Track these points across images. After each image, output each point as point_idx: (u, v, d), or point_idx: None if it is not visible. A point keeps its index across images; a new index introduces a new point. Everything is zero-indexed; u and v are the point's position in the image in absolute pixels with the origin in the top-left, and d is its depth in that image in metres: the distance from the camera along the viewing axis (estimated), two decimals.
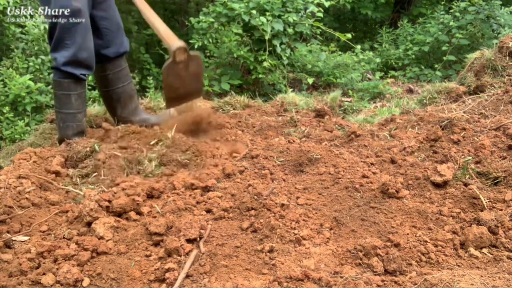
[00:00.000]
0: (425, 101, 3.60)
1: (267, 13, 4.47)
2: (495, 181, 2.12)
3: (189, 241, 1.65)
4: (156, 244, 1.68)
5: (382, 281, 1.49)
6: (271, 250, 1.62)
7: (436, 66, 5.83)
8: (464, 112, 3.05)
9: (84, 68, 2.61)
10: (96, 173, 2.26)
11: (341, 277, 1.49)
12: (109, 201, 1.87)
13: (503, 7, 5.81)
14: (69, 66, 2.56)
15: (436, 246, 1.68)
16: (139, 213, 1.88)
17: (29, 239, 1.76)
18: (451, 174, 2.08)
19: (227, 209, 1.87)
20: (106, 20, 2.76)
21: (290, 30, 4.58)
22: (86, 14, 2.57)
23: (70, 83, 2.61)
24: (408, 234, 1.74)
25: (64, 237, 1.74)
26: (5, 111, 3.59)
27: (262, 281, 1.46)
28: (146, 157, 2.32)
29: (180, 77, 2.62)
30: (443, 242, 1.70)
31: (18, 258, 1.60)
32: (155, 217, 1.83)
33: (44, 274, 1.51)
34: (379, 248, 1.62)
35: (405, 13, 8.15)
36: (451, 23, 5.88)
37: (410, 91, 5.03)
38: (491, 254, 1.67)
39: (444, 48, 5.81)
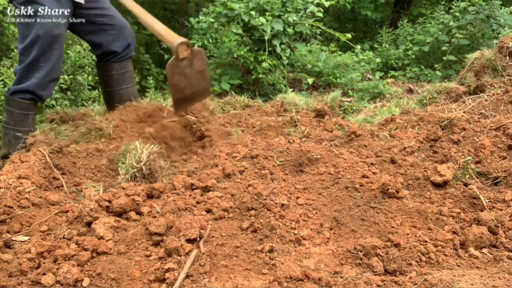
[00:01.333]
0: (425, 101, 3.60)
1: (267, 13, 4.47)
2: (495, 181, 2.12)
3: (189, 241, 1.65)
4: (156, 244, 1.68)
5: (382, 281, 1.49)
6: (271, 250, 1.62)
7: (436, 66, 5.83)
8: (464, 112, 3.05)
9: (50, 89, 2.70)
10: None
11: (341, 277, 1.49)
12: (109, 201, 1.87)
13: (503, 7, 5.81)
14: (40, 88, 2.64)
15: (436, 246, 1.68)
16: (139, 213, 1.88)
17: (29, 239, 1.76)
18: (451, 174, 2.08)
19: (227, 209, 1.87)
20: (106, 17, 2.80)
21: (290, 30, 4.58)
22: (64, 39, 2.67)
23: (31, 104, 2.69)
24: (408, 234, 1.74)
25: (64, 237, 1.74)
26: None
27: (262, 281, 1.46)
28: None
29: (185, 75, 2.54)
30: (443, 242, 1.70)
31: (18, 258, 1.60)
32: (155, 217, 1.83)
33: (44, 274, 1.51)
34: (379, 248, 1.62)
35: (405, 13, 8.15)
36: (451, 23, 5.88)
37: (410, 91, 5.03)
38: (491, 254, 1.67)
39: (444, 48, 5.81)
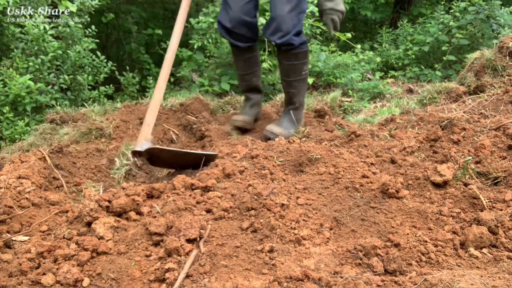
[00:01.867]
0: (425, 101, 3.60)
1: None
2: (495, 181, 2.12)
3: (189, 241, 1.65)
4: (156, 244, 1.68)
5: (382, 281, 1.49)
6: (271, 250, 1.62)
7: (436, 66, 5.83)
8: (464, 112, 3.05)
9: (236, 37, 2.85)
10: None
11: (341, 277, 1.49)
12: (109, 201, 1.87)
13: (503, 7, 5.80)
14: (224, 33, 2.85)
15: (436, 246, 1.68)
16: (139, 213, 1.88)
17: (29, 239, 1.76)
18: (451, 174, 2.08)
19: (227, 209, 1.87)
20: None
21: None
22: None
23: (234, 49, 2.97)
24: (408, 234, 1.74)
25: (64, 237, 1.74)
26: (5, 111, 3.59)
27: (262, 281, 1.46)
28: None
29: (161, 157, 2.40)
30: (443, 242, 1.70)
31: (18, 258, 1.60)
32: (155, 217, 1.83)
33: (44, 274, 1.51)
34: (379, 248, 1.62)
35: (405, 13, 8.14)
36: (451, 23, 5.87)
37: (410, 91, 5.02)
38: (491, 254, 1.67)
39: (444, 48, 5.80)
